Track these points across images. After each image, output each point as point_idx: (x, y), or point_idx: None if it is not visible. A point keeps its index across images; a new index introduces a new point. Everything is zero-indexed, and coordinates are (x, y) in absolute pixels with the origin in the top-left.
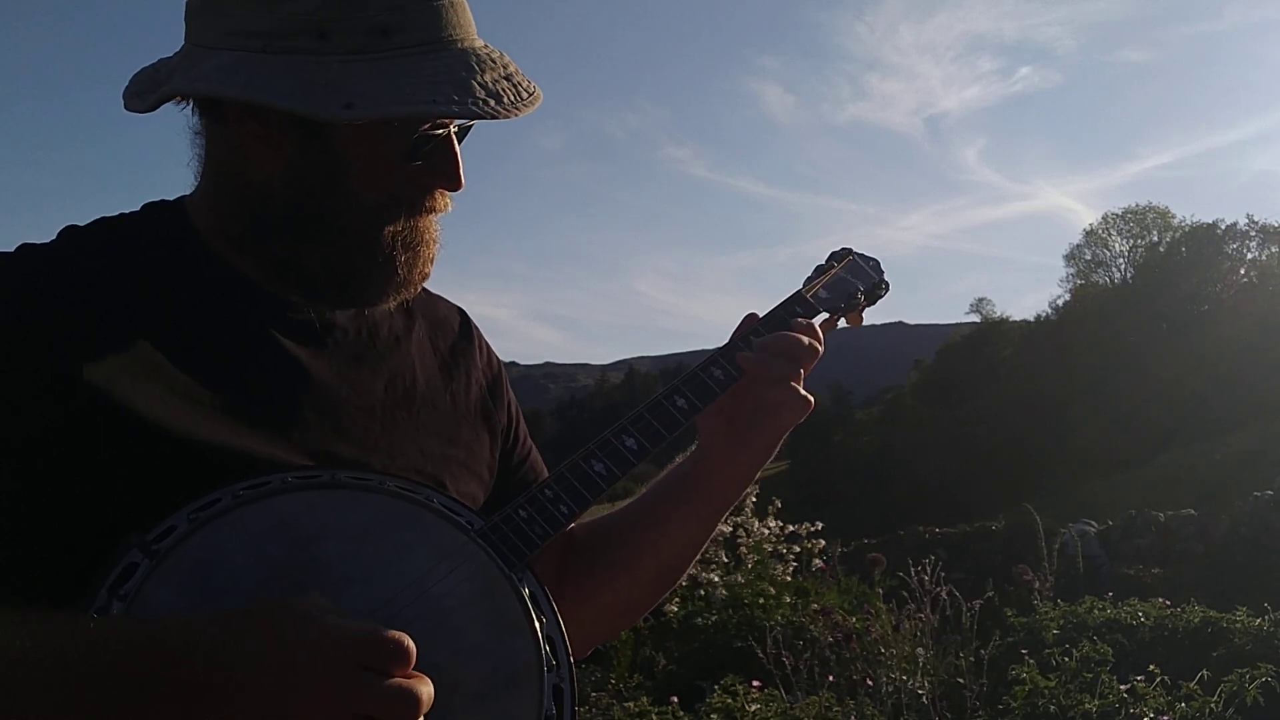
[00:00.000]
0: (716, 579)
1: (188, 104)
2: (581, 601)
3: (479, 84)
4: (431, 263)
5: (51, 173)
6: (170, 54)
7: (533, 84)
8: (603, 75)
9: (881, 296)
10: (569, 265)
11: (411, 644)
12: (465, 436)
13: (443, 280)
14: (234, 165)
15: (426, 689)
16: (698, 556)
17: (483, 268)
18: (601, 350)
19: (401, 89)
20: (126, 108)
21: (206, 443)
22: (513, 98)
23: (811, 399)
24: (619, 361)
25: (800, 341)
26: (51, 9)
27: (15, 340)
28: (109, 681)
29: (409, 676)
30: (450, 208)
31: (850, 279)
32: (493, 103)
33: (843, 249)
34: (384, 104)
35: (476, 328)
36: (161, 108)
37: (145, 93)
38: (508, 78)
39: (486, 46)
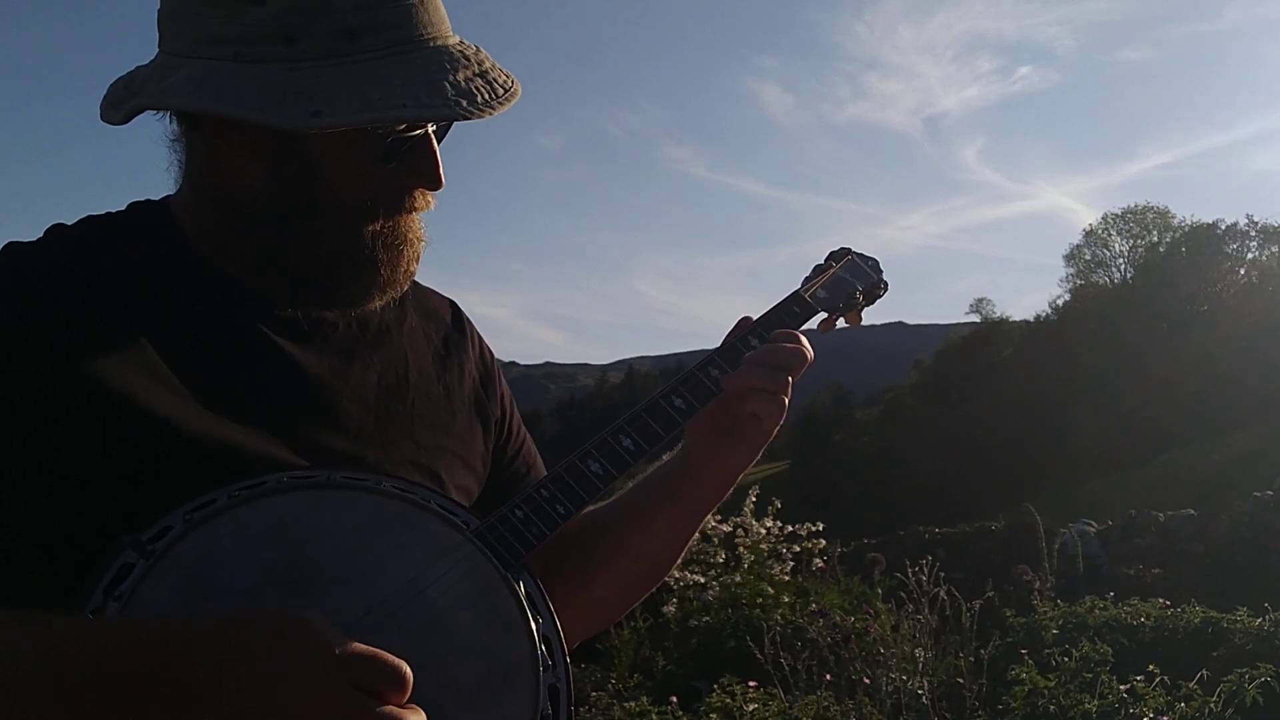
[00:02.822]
0: (703, 579)
1: (165, 112)
2: (568, 597)
3: (450, 84)
4: (416, 261)
5: (48, 175)
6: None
7: (511, 78)
8: (602, 75)
9: (880, 296)
10: (569, 265)
11: (410, 673)
12: (459, 428)
13: (442, 280)
14: (212, 172)
15: None
16: (684, 552)
17: (482, 267)
18: (601, 350)
19: (371, 93)
20: (102, 119)
21: (201, 441)
22: (486, 96)
23: (785, 406)
24: (619, 361)
25: (785, 349)
26: (48, 11)
27: (6, 339)
28: (107, 682)
29: (403, 708)
30: (433, 206)
31: (849, 279)
32: (464, 103)
33: (841, 249)
34: (353, 110)
35: (469, 320)
36: (143, 112)
37: (120, 103)
38: (482, 74)
39: (461, 43)
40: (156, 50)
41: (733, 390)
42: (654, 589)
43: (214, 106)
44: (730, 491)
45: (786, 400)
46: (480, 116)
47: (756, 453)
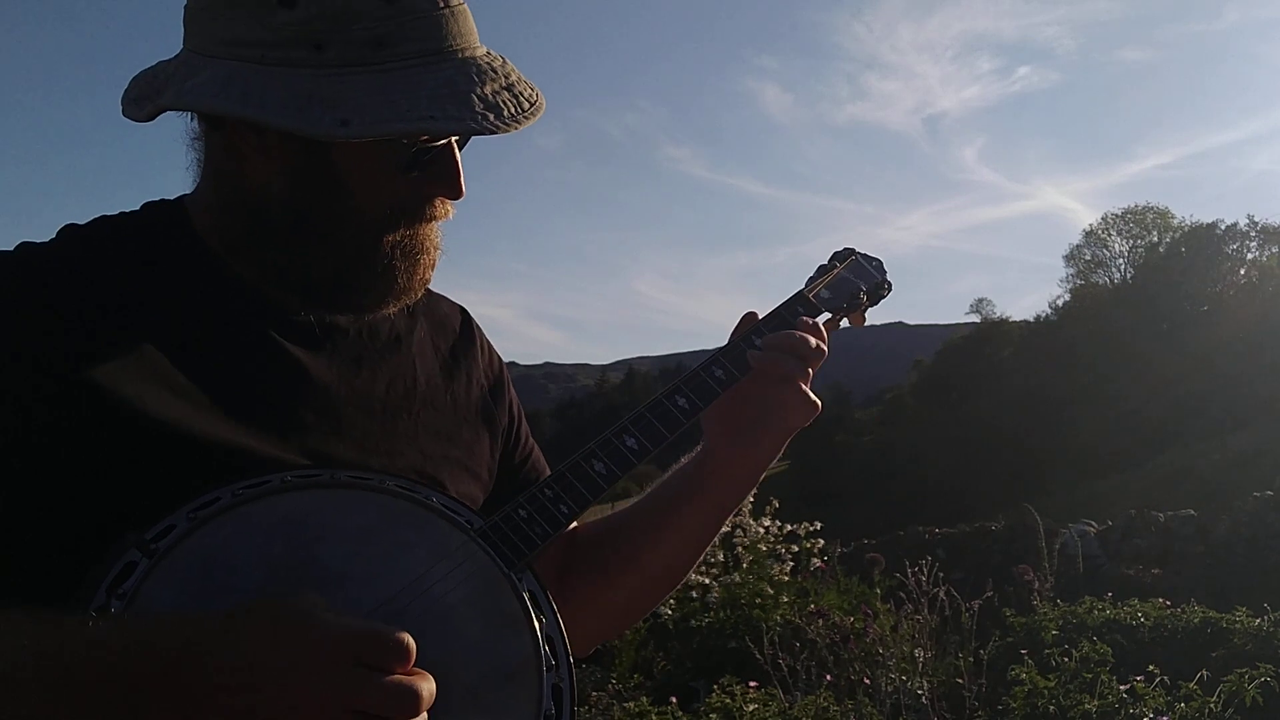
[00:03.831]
0: (708, 580)
1: (186, 109)
2: (587, 600)
3: (478, 97)
4: (432, 269)
5: (53, 174)
6: (171, 55)
7: (536, 92)
8: (602, 75)
9: (884, 297)
10: (569, 265)
11: (412, 641)
12: (465, 437)
13: (442, 280)
14: (232, 173)
15: (428, 686)
16: (702, 556)
17: (483, 267)
18: (601, 350)
19: (398, 103)
20: (124, 114)
21: (206, 442)
22: (513, 110)
23: (819, 402)
24: (619, 361)
25: (807, 340)
26: (54, 9)
27: (15, 339)
28: (108, 683)
29: (410, 674)
30: (452, 215)
31: (853, 279)
32: (491, 116)
33: (845, 249)
34: (381, 120)
35: (478, 327)
36: (166, 111)
37: (143, 100)
38: (508, 88)
39: (489, 54)
40: (181, 47)
41: (759, 370)
42: (673, 592)
43: (239, 110)
44: (752, 491)
45: (811, 394)
46: (506, 131)
47: (778, 449)
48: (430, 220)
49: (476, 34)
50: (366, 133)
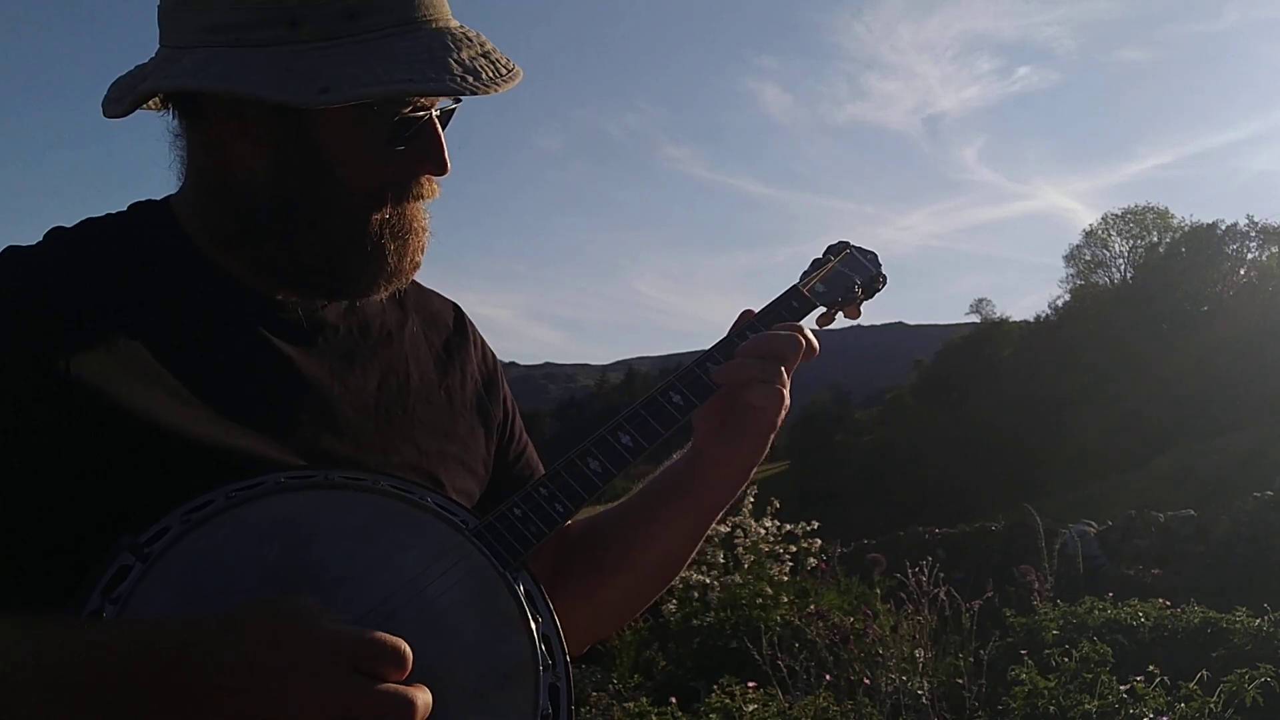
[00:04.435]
0: (708, 580)
1: (167, 108)
2: (579, 599)
3: (456, 61)
4: (422, 251)
5: (42, 175)
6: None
7: (511, 61)
8: (602, 75)
9: (879, 290)
10: (569, 265)
11: (408, 649)
12: (461, 432)
13: (443, 280)
14: (216, 165)
15: (424, 696)
16: (694, 554)
17: (482, 267)
18: (601, 350)
19: (377, 70)
20: (105, 114)
21: (199, 443)
22: (491, 74)
23: (786, 396)
24: (619, 362)
25: (777, 338)
26: (47, 9)
27: (15, 339)
28: (105, 685)
29: (405, 683)
30: (437, 194)
31: (847, 272)
32: (471, 79)
33: (840, 242)
34: (360, 85)
35: (471, 323)
36: (147, 113)
37: (122, 97)
38: (485, 55)
39: (461, 26)
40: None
41: (722, 381)
42: (664, 591)
43: (220, 85)
44: (741, 490)
45: (783, 389)
46: (486, 93)
47: (763, 448)
48: (417, 199)
49: (449, 7)
50: (348, 97)
